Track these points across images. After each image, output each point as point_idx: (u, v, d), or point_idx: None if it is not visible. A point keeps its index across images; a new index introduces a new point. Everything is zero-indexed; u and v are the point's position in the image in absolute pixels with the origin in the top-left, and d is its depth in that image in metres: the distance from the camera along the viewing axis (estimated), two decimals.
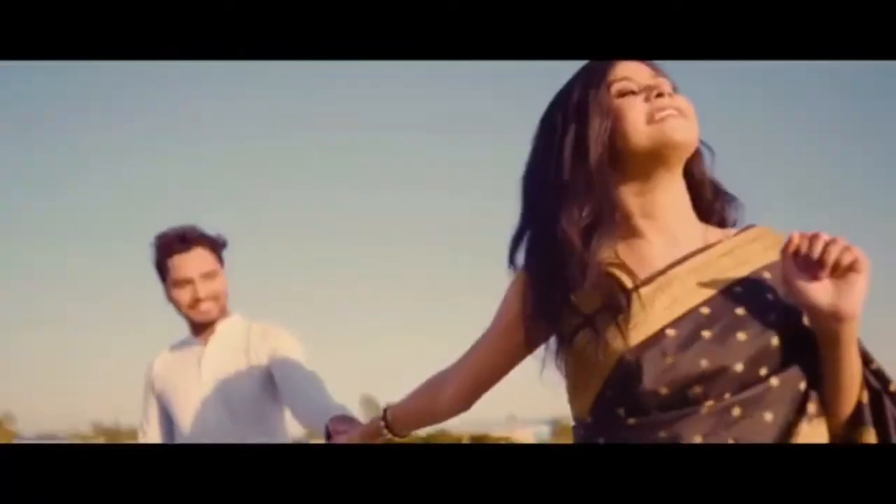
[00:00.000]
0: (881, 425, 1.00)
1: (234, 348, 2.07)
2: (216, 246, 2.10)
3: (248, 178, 77.86)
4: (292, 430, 2.14)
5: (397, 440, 1.37)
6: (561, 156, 1.07)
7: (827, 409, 1.00)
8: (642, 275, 1.04)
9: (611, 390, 1.01)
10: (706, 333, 0.99)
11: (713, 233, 1.11)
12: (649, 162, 1.06)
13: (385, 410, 1.37)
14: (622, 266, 1.04)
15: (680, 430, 0.97)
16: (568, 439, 1.17)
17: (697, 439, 0.96)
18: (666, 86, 1.07)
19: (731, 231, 1.13)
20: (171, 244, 2.04)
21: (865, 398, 1.00)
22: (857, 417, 1.00)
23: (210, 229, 2.11)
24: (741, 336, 0.99)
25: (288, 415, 2.07)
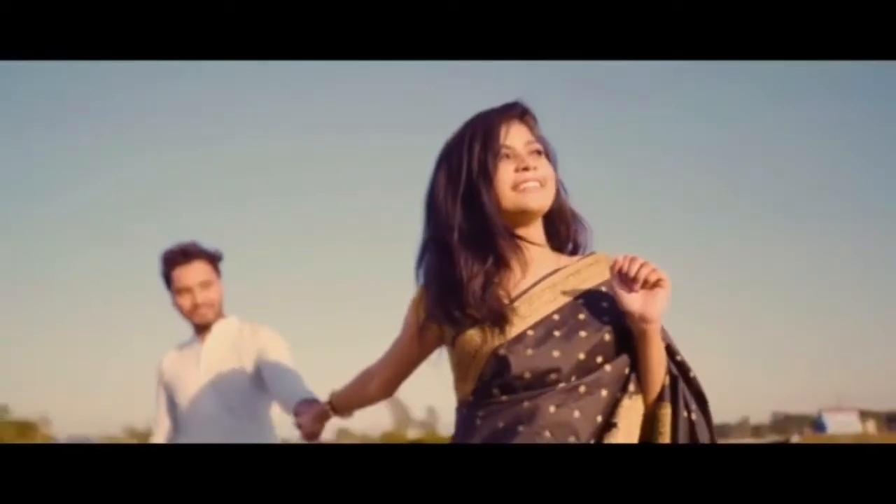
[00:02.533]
0: (675, 403, 1.32)
1: (226, 346, 2.44)
2: (213, 259, 2.46)
3: (250, 180, 77.24)
4: (277, 417, 2.48)
5: (344, 417, 1.76)
6: (454, 203, 1.36)
7: (642, 388, 1.33)
8: (512, 293, 1.36)
9: (488, 376, 1.34)
10: (557, 333, 1.32)
11: (564, 259, 1.43)
12: (512, 217, 1.37)
13: (330, 395, 1.77)
14: (499, 287, 1.36)
15: (539, 403, 1.28)
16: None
17: (552, 409, 1.28)
18: (530, 160, 1.37)
19: (577, 257, 1.45)
20: (175, 258, 2.42)
21: (667, 381, 1.32)
22: (661, 396, 1.32)
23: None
24: (582, 334, 1.31)
25: (275, 404, 2.43)
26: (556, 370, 1.29)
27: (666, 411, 1.31)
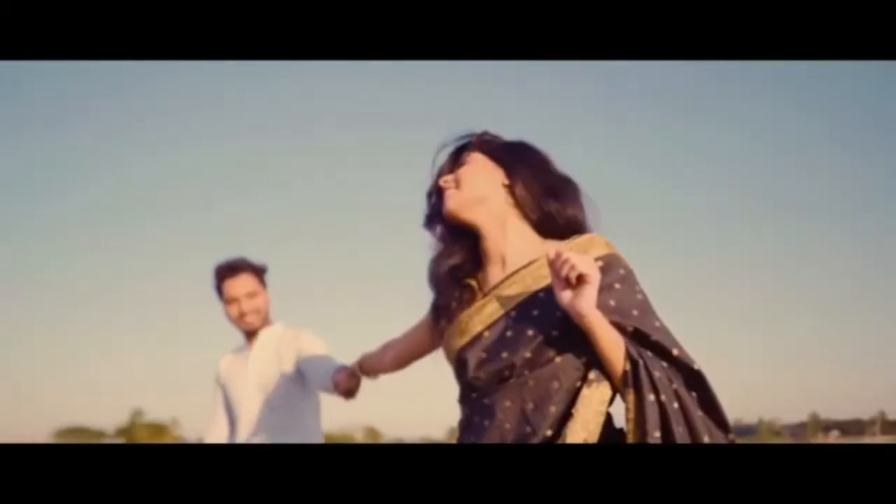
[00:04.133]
0: (638, 388, 1.29)
1: (270, 350, 2.67)
2: (257, 271, 2.71)
3: (251, 179, 76.69)
4: (315, 411, 2.68)
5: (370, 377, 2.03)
6: (433, 218, 1.56)
7: (606, 376, 1.33)
8: (485, 288, 1.47)
9: (456, 374, 1.47)
10: (509, 333, 1.39)
11: (550, 246, 1.43)
12: (453, 221, 1.50)
13: (360, 357, 2.04)
14: (470, 289, 1.49)
15: (497, 398, 1.37)
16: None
17: (507, 403, 1.36)
18: (455, 168, 1.52)
19: (567, 241, 1.46)
20: (223, 272, 2.68)
21: (628, 367, 1.30)
22: (625, 382, 1.31)
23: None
24: (531, 332, 1.37)
25: (314, 405, 2.64)
26: (509, 367, 1.37)
27: (630, 396, 1.30)
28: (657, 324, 1.37)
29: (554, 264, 1.31)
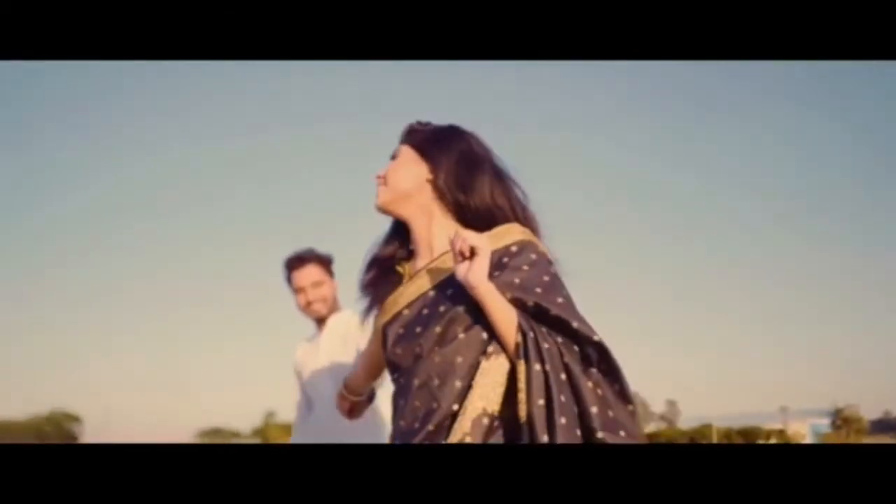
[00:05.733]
0: (528, 358, 1.35)
1: (337, 336, 2.78)
2: (324, 261, 2.83)
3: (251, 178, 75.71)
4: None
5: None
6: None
7: (503, 349, 1.39)
8: (412, 272, 1.53)
9: (384, 353, 1.53)
10: (425, 311, 1.46)
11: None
12: (387, 215, 1.58)
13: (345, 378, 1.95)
14: (399, 276, 1.56)
15: (410, 377, 1.42)
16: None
17: (417, 382, 1.40)
18: (383, 170, 1.57)
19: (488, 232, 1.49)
20: (291, 263, 2.82)
21: (520, 339, 1.36)
22: (516, 353, 1.36)
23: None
24: (442, 308, 1.44)
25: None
26: (420, 345, 1.43)
27: (521, 367, 1.35)
28: (560, 300, 1.40)
29: (453, 243, 1.39)
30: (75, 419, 46.30)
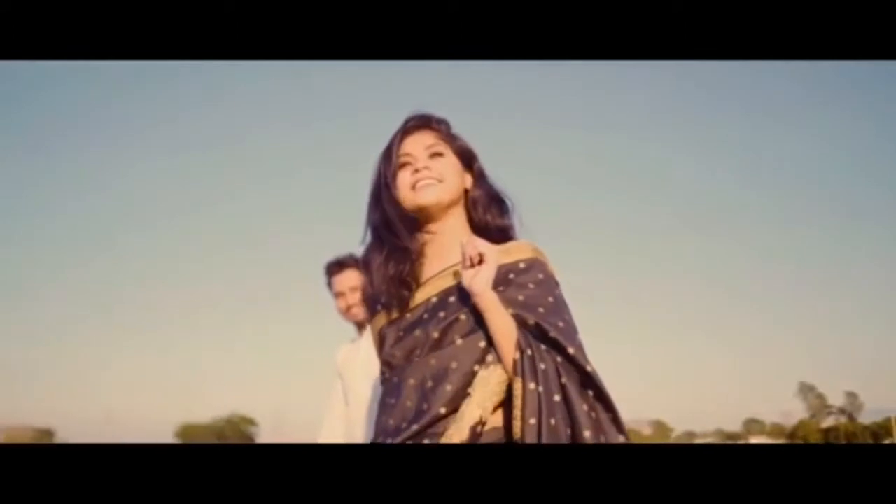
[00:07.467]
0: (524, 377, 1.33)
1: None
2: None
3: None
4: None
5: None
6: (373, 208, 1.55)
7: (500, 360, 1.37)
8: (420, 280, 1.51)
9: (377, 353, 1.53)
10: (425, 316, 1.46)
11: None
12: (418, 214, 1.51)
13: None
14: (407, 275, 1.51)
15: (404, 377, 1.42)
16: None
17: (412, 381, 1.40)
18: (428, 161, 1.50)
19: (502, 246, 1.48)
20: (331, 268, 2.90)
21: (518, 356, 1.35)
22: (513, 370, 1.35)
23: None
24: (443, 314, 1.44)
25: None
26: (419, 348, 1.43)
27: (518, 384, 1.34)
28: (560, 323, 1.39)
29: (464, 248, 1.40)
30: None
